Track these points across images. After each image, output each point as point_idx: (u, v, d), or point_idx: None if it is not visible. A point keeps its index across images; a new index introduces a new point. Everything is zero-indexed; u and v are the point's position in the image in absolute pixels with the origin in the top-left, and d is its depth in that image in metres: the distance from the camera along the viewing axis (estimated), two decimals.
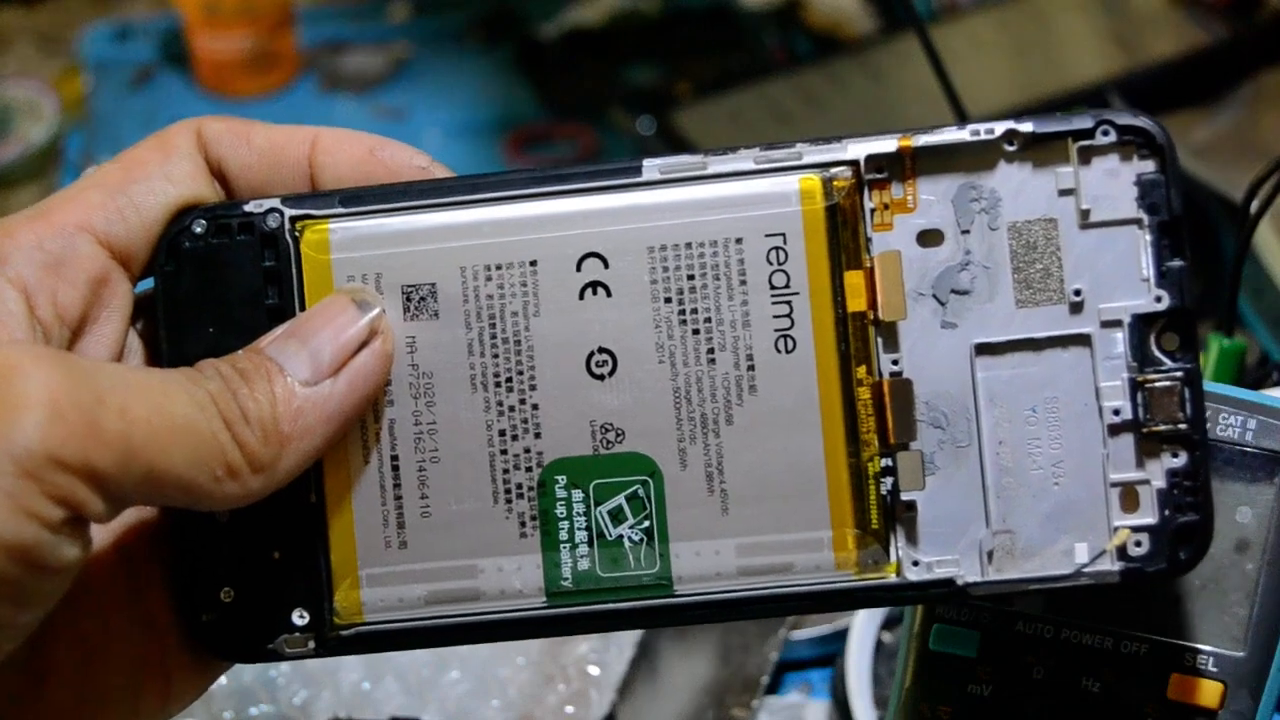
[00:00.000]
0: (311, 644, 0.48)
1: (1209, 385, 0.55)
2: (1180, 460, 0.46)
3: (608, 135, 1.02)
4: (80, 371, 0.41)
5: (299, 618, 0.48)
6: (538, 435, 0.47)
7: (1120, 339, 0.46)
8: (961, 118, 0.79)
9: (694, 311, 0.47)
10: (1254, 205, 0.66)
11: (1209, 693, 0.53)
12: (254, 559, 0.47)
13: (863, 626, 0.67)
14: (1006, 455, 0.46)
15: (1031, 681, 0.54)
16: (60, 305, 0.46)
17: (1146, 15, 1.02)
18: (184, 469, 0.42)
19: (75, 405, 0.40)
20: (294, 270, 0.48)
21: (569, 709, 0.67)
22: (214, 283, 0.48)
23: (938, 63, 0.78)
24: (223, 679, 0.67)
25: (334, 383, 0.46)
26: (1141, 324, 0.46)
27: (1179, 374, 0.46)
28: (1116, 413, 0.46)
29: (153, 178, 0.47)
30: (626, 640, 0.68)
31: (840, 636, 0.68)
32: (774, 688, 0.69)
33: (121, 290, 0.47)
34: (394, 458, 0.47)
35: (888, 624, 0.67)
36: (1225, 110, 0.95)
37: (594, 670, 0.67)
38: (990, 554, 0.46)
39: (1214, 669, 0.53)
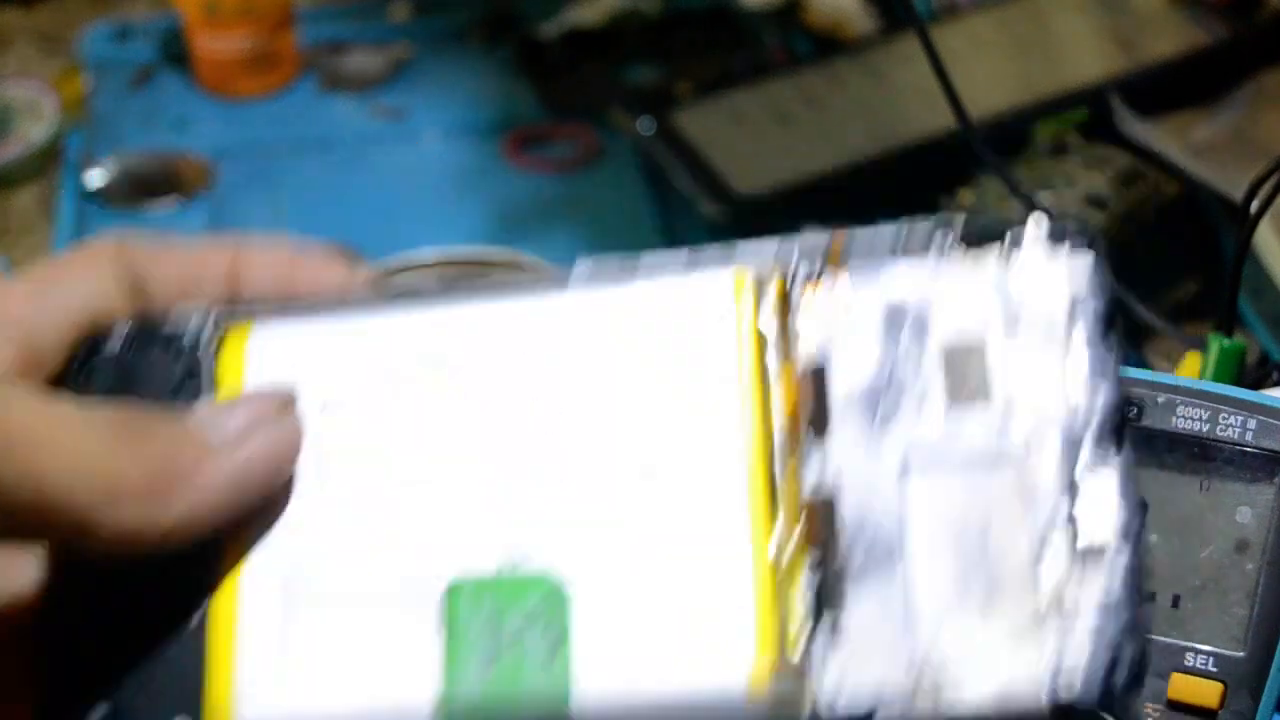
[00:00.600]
0: None
1: (1211, 385, 0.55)
2: (1119, 568, 0.41)
3: (608, 135, 1.02)
4: None
5: None
6: (444, 546, 0.44)
7: (1053, 447, 0.42)
8: (962, 118, 0.80)
9: (613, 415, 0.44)
10: (1254, 205, 0.66)
11: (1209, 693, 0.53)
12: (132, 669, 0.44)
13: None
14: (936, 575, 0.42)
15: None
16: None
17: (1147, 15, 1.02)
18: (69, 478, 0.40)
19: None
20: (210, 380, 0.46)
21: None
22: (128, 393, 0.46)
23: (938, 63, 0.78)
24: None
25: (240, 450, 0.43)
26: (1075, 432, 0.42)
27: (1114, 477, 0.42)
28: (1050, 527, 0.42)
29: (75, 282, 0.46)
30: None
31: None
32: None
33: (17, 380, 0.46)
34: (287, 565, 0.45)
35: None
36: (1225, 110, 0.95)
37: None
38: (914, 688, 0.42)
39: (1214, 669, 0.53)
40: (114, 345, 0.46)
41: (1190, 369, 0.68)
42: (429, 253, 0.89)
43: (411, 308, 0.46)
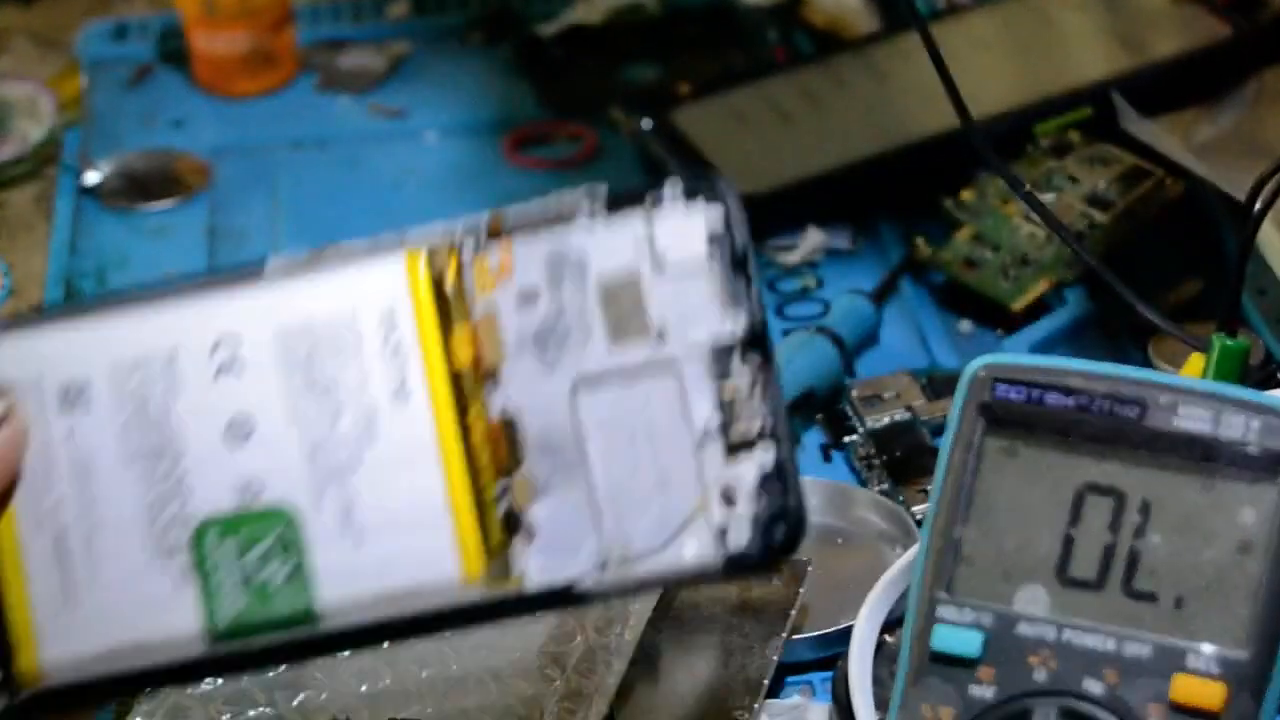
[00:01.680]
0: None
1: (1214, 385, 0.55)
2: (769, 455, 0.51)
3: (607, 134, 1.02)
4: None
5: None
6: (187, 498, 0.52)
7: (702, 360, 0.51)
8: (963, 116, 0.79)
9: (316, 380, 0.52)
10: (1258, 204, 0.66)
11: (1212, 694, 0.52)
12: None
13: (865, 628, 0.66)
14: (613, 473, 0.51)
15: (1034, 682, 0.53)
16: None
17: (1149, 13, 1.01)
18: None
19: None
20: None
21: (568, 704, 0.67)
22: None
23: (939, 61, 0.78)
24: (219, 681, 0.67)
25: None
26: (722, 346, 0.51)
27: (757, 383, 0.51)
28: (705, 427, 0.51)
29: None
30: (626, 640, 0.68)
31: (842, 638, 0.67)
32: (775, 690, 0.69)
33: None
34: (61, 533, 0.52)
35: (890, 626, 0.67)
36: (1228, 109, 0.95)
37: (593, 671, 0.67)
38: (605, 562, 0.51)
39: (1217, 670, 0.53)
40: None
41: (1193, 369, 0.68)
42: None
43: (127, 308, 0.53)
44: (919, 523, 0.72)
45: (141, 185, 1.00)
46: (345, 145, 1.03)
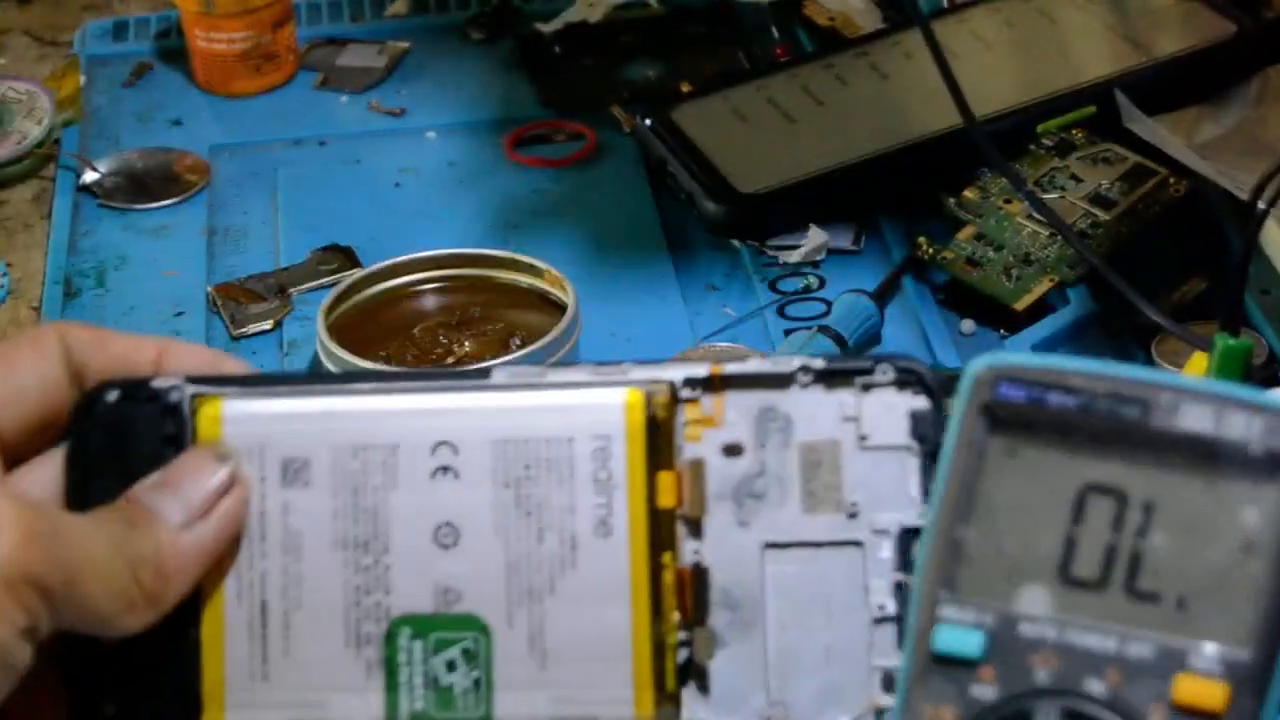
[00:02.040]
0: None
1: (1216, 385, 0.55)
2: None
3: (608, 132, 1.01)
4: (39, 507, 0.50)
5: None
6: (388, 592, 0.54)
7: (888, 546, 0.54)
8: (966, 115, 0.79)
9: (528, 497, 0.54)
10: (1261, 202, 0.65)
11: (1215, 694, 0.52)
12: (137, 681, 0.54)
13: None
14: (787, 639, 0.54)
15: (1036, 683, 0.53)
16: None
17: (1153, 12, 1.01)
18: (102, 601, 0.50)
19: (40, 533, 0.49)
20: (189, 439, 0.55)
21: None
22: (118, 444, 0.54)
23: (941, 60, 0.78)
24: None
25: (205, 525, 0.53)
26: (907, 534, 0.55)
27: None
28: (881, 608, 0.54)
29: (28, 376, 0.54)
30: None
31: None
32: None
33: None
34: (263, 603, 0.54)
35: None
36: (1232, 107, 0.94)
37: None
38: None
39: (1219, 670, 0.52)
40: (110, 402, 0.54)
41: (1196, 368, 0.68)
42: (428, 252, 0.89)
43: (357, 393, 0.55)
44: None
45: (140, 184, 1.00)
46: (345, 144, 1.03)
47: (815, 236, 0.91)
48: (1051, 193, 0.89)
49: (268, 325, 0.89)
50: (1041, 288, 0.86)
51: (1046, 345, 0.84)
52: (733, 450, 0.55)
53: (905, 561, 0.54)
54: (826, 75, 0.99)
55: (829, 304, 0.88)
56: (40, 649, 0.51)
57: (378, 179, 1.00)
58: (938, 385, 0.55)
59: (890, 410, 0.55)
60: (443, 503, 0.54)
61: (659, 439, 0.54)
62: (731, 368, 0.55)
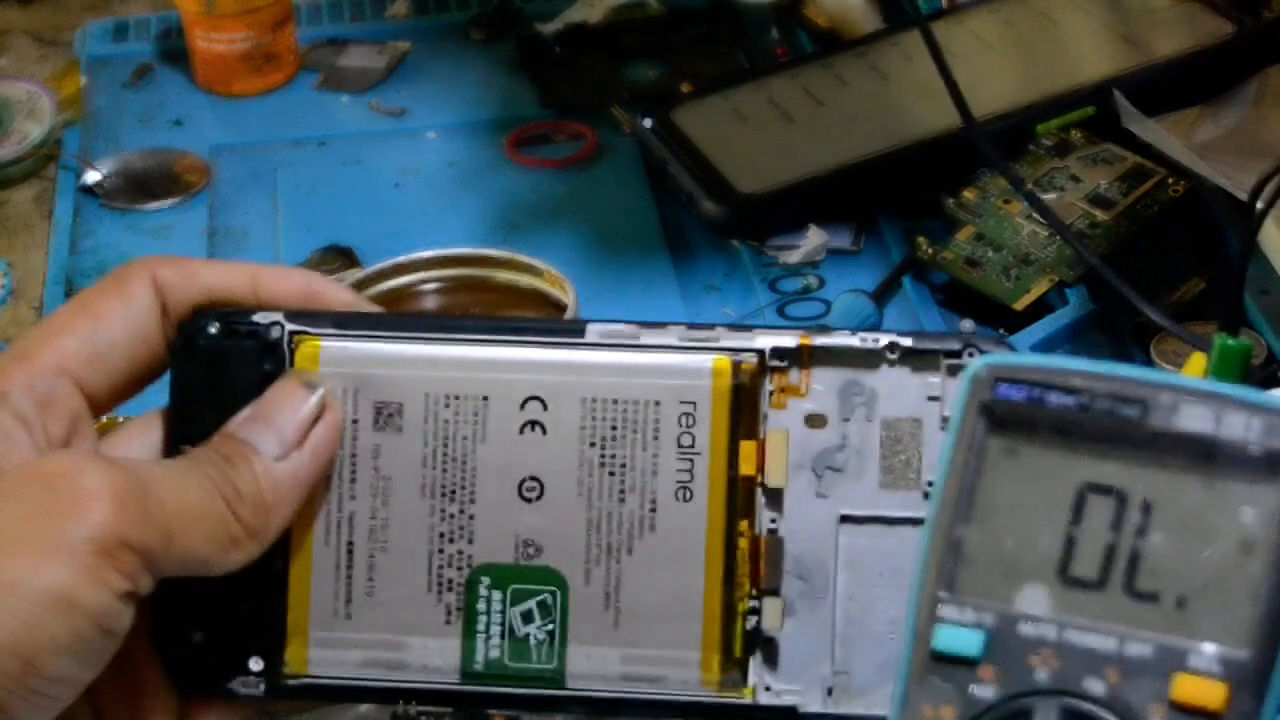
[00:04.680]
0: (261, 688, 0.56)
1: (1215, 385, 0.55)
2: None
3: (608, 133, 1.02)
4: (128, 469, 0.50)
5: (254, 664, 0.56)
6: (471, 541, 0.56)
7: None
8: (965, 116, 0.79)
9: (612, 457, 0.56)
10: (1260, 203, 0.65)
11: (1213, 694, 0.52)
12: (224, 611, 0.56)
13: None
14: (854, 610, 0.56)
15: (1035, 682, 0.53)
16: (50, 435, 0.53)
17: (1151, 13, 1.01)
18: (203, 546, 0.51)
19: (131, 496, 0.49)
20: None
21: None
22: (218, 378, 0.56)
23: (941, 61, 0.78)
24: None
25: (300, 454, 0.54)
26: None
27: None
28: None
29: (116, 330, 0.55)
30: None
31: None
32: None
33: (89, 423, 0.55)
34: (350, 543, 0.56)
35: None
36: (1230, 108, 0.94)
37: None
38: (830, 690, 0.56)
39: (1219, 670, 0.52)
40: (211, 334, 0.56)
41: (1195, 368, 0.68)
42: (428, 252, 0.89)
43: (452, 341, 0.56)
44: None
45: (141, 184, 1.00)
46: (345, 144, 1.03)
47: (815, 237, 0.92)
48: (1050, 193, 0.89)
49: None
50: (1040, 288, 0.86)
51: (1046, 345, 0.84)
52: (816, 421, 0.56)
53: None
54: (826, 76, 0.99)
55: (828, 304, 0.88)
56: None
57: (378, 179, 1.00)
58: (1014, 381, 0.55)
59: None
60: (529, 457, 0.56)
61: (744, 407, 0.55)
62: (820, 340, 0.56)
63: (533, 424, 0.56)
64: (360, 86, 1.07)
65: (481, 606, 0.56)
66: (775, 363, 0.56)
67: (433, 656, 0.56)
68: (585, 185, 0.99)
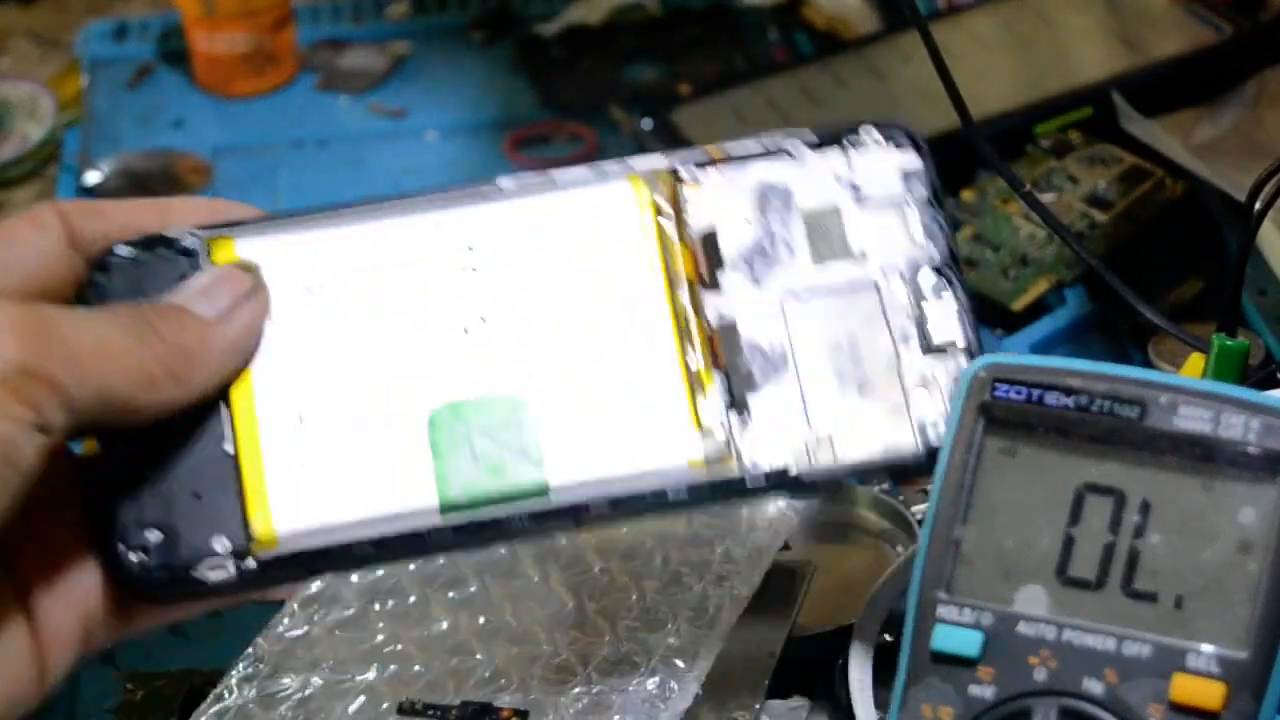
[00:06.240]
0: (232, 568, 0.54)
1: (1213, 385, 0.55)
2: (961, 362, 0.57)
3: (608, 134, 1.02)
4: (37, 307, 0.50)
5: (219, 545, 0.54)
6: (426, 383, 0.56)
7: (899, 280, 0.58)
8: (964, 116, 0.79)
9: (555, 282, 0.57)
10: (1258, 204, 0.65)
11: (1212, 694, 0.52)
12: (179, 502, 0.54)
13: (865, 627, 0.66)
14: (820, 374, 0.57)
15: (1034, 682, 0.53)
16: None
17: (1149, 14, 1.01)
18: (120, 382, 0.51)
19: (37, 329, 0.49)
20: None
21: None
22: (136, 293, 0.55)
23: (940, 61, 0.78)
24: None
25: (230, 320, 0.54)
26: (915, 269, 0.58)
27: (949, 298, 0.58)
28: (903, 335, 0.58)
29: (26, 249, 0.54)
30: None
31: (843, 637, 0.67)
32: (775, 690, 0.69)
33: None
34: (300, 409, 0.56)
35: (889, 625, 0.67)
36: (1228, 109, 0.95)
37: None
38: (813, 451, 0.57)
39: (1217, 670, 0.52)
40: (124, 255, 0.55)
41: (1193, 369, 0.68)
42: None
43: (372, 217, 0.57)
44: (919, 522, 0.72)
45: (141, 184, 1.00)
46: (346, 145, 1.03)
47: None
48: (1049, 194, 0.89)
49: None
50: (1039, 288, 0.86)
51: (1044, 345, 0.84)
52: (739, 221, 0.58)
53: (917, 290, 0.58)
54: (825, 77, 0.99)
55: None
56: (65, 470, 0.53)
57: (378, 180, 1.00)
58: (923, 139, 0.59)
59: (882, 167, 0.59)
60: (469, 298, 0.57)
61: (668, 216, 0.58)
62: (729, 148, 0.59)
63: (467, 269, 0.57)
64: (360, 87, 1.07)
65: (447, 441, 0.55)
66: (689, 175, 0.58)
67: (408, 500, 0.55)
68: None
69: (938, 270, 0.58)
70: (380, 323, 0.56)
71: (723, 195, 0.58)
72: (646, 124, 0.97)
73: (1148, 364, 0.81)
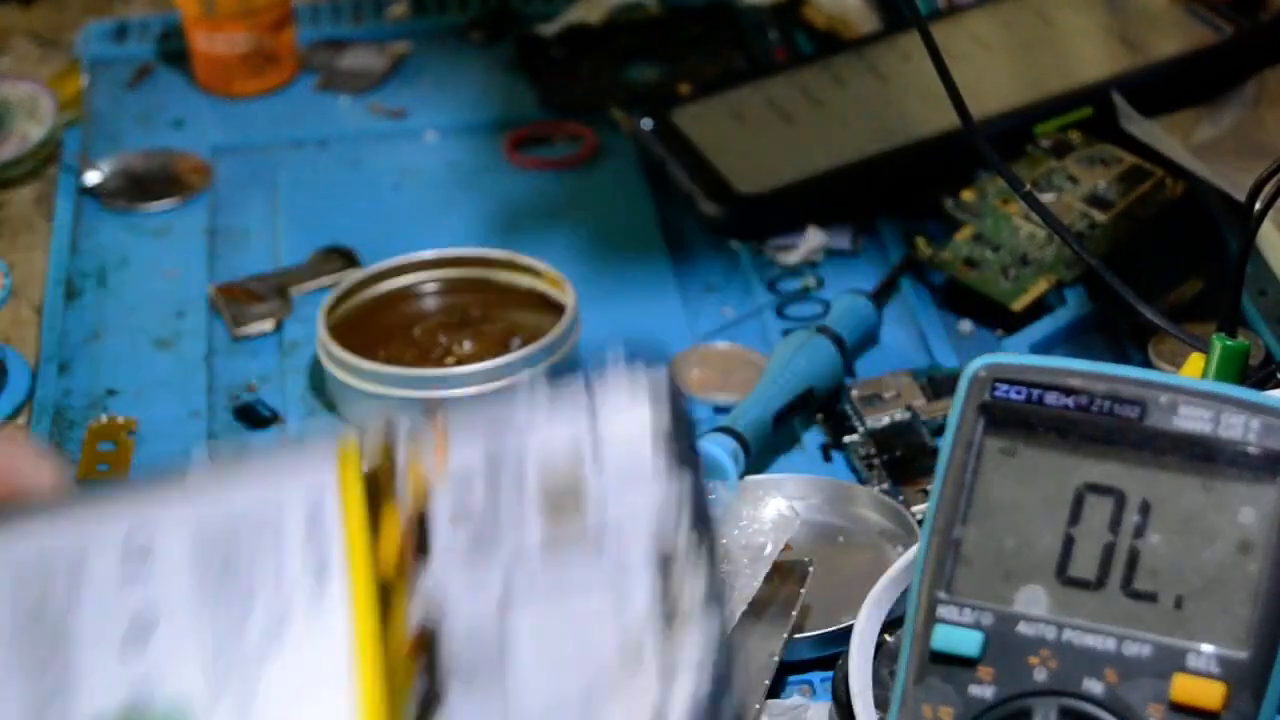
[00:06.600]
0: None
1: (1213, 386, 0.55)
2: (701, 686, 0.45)
3: (608, 134, 1.02)
4: None
5: None
6: (74, 700, 0.48)
7: (641, 570, 0.46)
8: (964, 116, 0.79)
9: (229, 577, 0.48)
10: (1258, 204, 0.66)
11: (1212, 694, 0.52)
12: None
13: (865, 628, 0.66)
14: (536, 688, 0.47)
15: (1034, 682, 0.53)
16: None
17: (1150, 13, 1.01)
18: None
19: None
20: None
21: None
22: None
23: (940, 61, 0.78)
24: None
25: None
26: (666, 563, 0.46)
27: (702, 577, 0.46)
28: (639, 638, 0.46)
29: None
30: None
31: (842, 638, 0.68)
32: (775, 690, 0.69)
33: None
34: None
35: (890, 625, 0.67)
36: (1228, 109, 0.95)
37: None
38: None
39: (1217, 670, 0.53)
40: None
41: (1193, 369, 0.68)
42: (428, 253, 0.89)
43: (33, 514, 0.50)
44: (919, 522, 0.72)
45: (142, 185, 1.00)
46: (345, 145, 1.03)
47: (813, 237, 0.92)
48: (1049, 194, 0.89)
49: (268, 326, 0.90)
50: (1039, 288, 0.86)
51: (1044, 346, 0.84)
52: (462, 496, 0.48)
53: (666, 591, 0.47)
54: (825, 77, 0.99)
55: (827, 304, 0.88)
56: None
57: (378, 180, 1.00)
58: (676, 394, 0.48)
59: (630, 431, 0.48)
60: (135, 599, 0.49)
61: (377, 493, 0.49)
62: (453, 405, 0.49)
63: (136, 562, 0.49)
64: (360, 87, 1.07)
65: None
66: (406, 441, 0.49)
67: None
68: (584, 186, 0.99)
69: (687, 550, 0.46)
70: (30, 634, 0.49)
71: (444, 465, 0.49)
72: (646, 124, 0.97)
73: (1148, 364, 0.81)
